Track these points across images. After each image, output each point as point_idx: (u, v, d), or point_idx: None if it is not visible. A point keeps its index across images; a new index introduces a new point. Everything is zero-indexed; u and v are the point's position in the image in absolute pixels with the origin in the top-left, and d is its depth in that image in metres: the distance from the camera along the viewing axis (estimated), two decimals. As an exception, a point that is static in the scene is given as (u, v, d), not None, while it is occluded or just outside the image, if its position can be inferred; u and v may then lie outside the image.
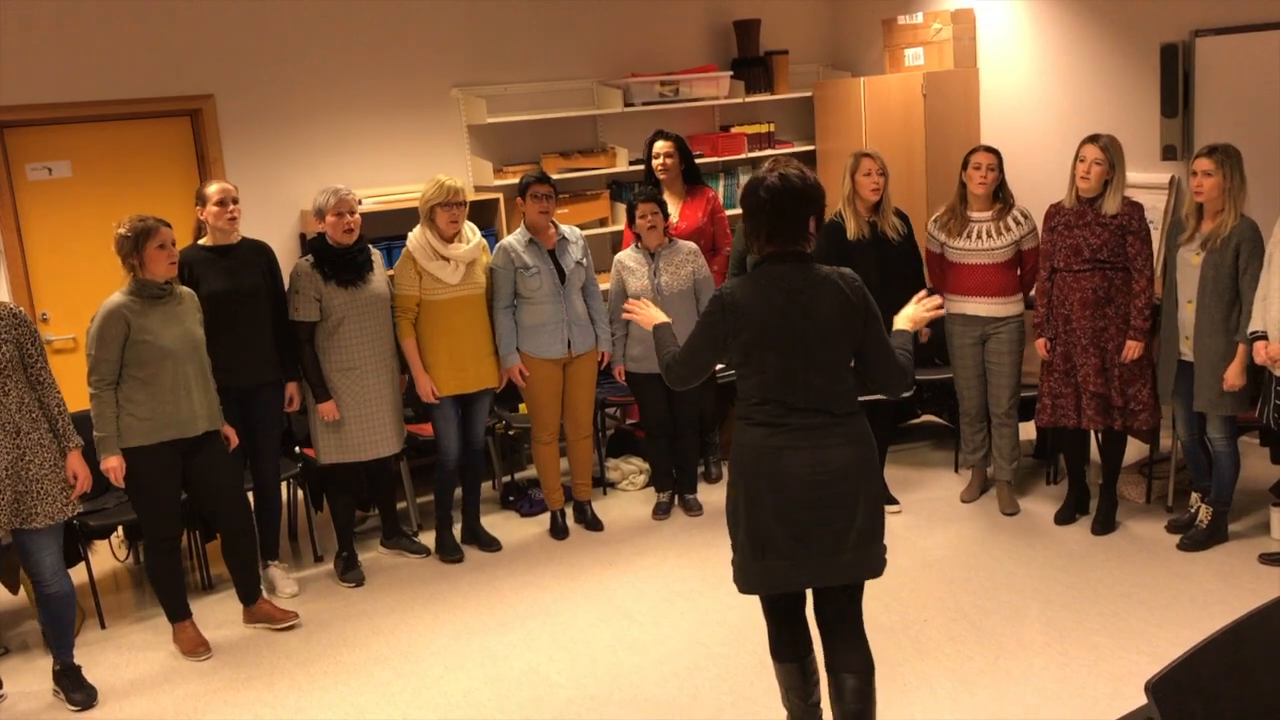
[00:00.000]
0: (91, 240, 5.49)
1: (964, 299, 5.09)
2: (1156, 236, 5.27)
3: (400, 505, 5.49)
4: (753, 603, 3.24)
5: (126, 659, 4.43)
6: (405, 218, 5.49)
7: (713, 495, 5.65)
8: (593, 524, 5.41)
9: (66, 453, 4.00)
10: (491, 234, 6.04)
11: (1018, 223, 5.01)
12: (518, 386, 5.20)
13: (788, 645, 3.19)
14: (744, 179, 7.09)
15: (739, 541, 3.06)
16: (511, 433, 6.07)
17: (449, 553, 5.14)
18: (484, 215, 6.14)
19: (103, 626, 4.71)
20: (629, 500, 5.77)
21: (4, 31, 5.29)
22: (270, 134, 5.97)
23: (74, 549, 4.60)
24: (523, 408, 5.49)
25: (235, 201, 4.67)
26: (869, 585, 3.14)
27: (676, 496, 5.59)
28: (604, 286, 5.46)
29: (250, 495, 4.75)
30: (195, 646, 4.39)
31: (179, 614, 4.43)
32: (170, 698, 4.10)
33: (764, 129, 7.18)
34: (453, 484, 5.19)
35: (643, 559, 5.02)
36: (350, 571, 4.99)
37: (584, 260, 5.20)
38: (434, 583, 4.93)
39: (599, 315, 5.28)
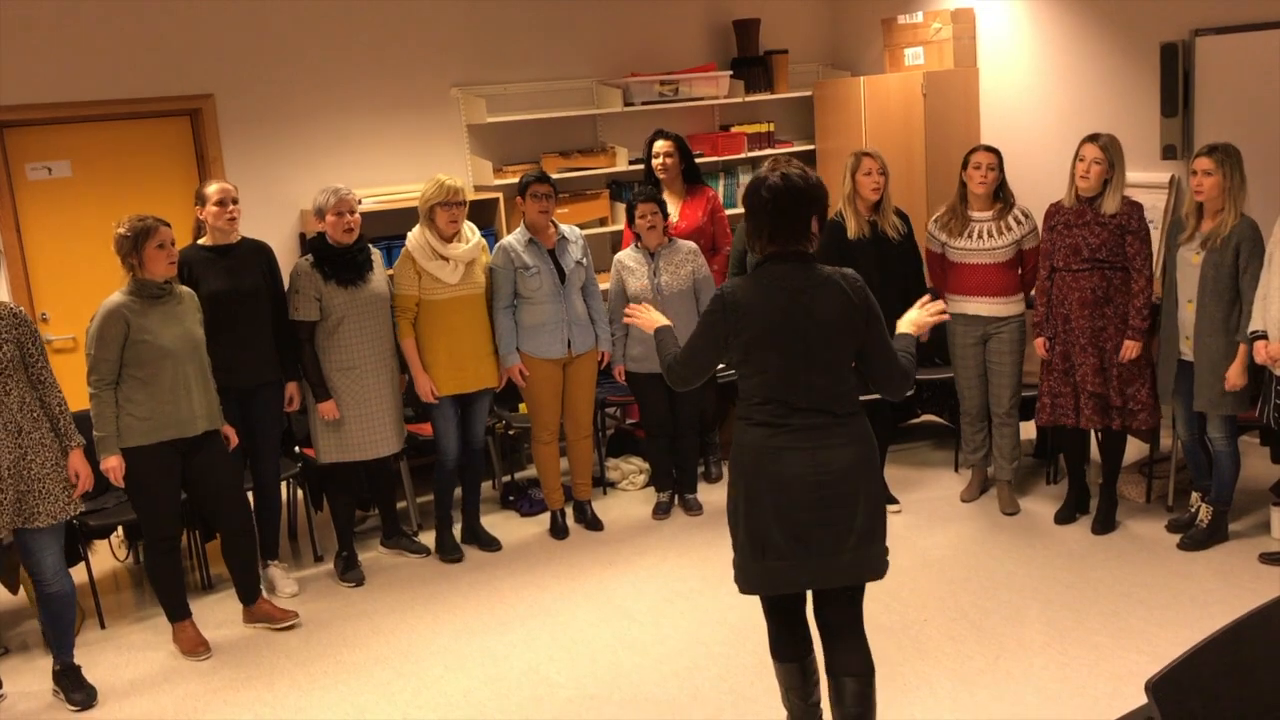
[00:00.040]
0: (91, 240, 5.49)
1: (965, 299, 5.09)
2: (1156, 236, 5.27)
3: (400, 505, 5.49)
4: (753, 602, 3.24)
5: (126, 659, 4.43)
6: (405, 217, 5.49)
7: (713, 495, 5.65)
8: (593, 524, 5.41)
9: (68, 452, 4.01)
10: (491, 234, 6.04)
11: (1019, 222, 5.01)
12: (518, 386, 5.20)
13: (788, 645, 3.19)
14: (744, 179, 7.10)
15: (739, 541, 3.06)
16: (511, 432, 6.07)
17: (449, 552, 5.14)
18: (484, 215, 6.14)
19: (102, 626, 4.71)
20: (629, 500, 5.77)
21: (4, 31, 5.29)
22: (270, 134, 5.97)
23: (74, 549, 4.60)
24: (523, 407, 5.49)
25: (235, 201, 4.67)
26: (869, 585, 3.14)
27: (676, 496, 5.59)
28: (604, 286, 5.46)
29: (250, 495, 4.75)
30: (195, 646, 4.39)
31: (179, 614, 4.43)
32: (170, 697, 4.10)
33: (764, 128, 7.18)
34: (452, 484, 5.19)
35: (643, 559, 5.02)
36: (350, 571, 4.99)
37: (584, 260, 5.20)
38: (434, 582, 4.93)
39: (599, 315, 5.28)
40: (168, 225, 4.17)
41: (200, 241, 4.70)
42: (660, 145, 5.78)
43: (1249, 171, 4.48)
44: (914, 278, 5.18)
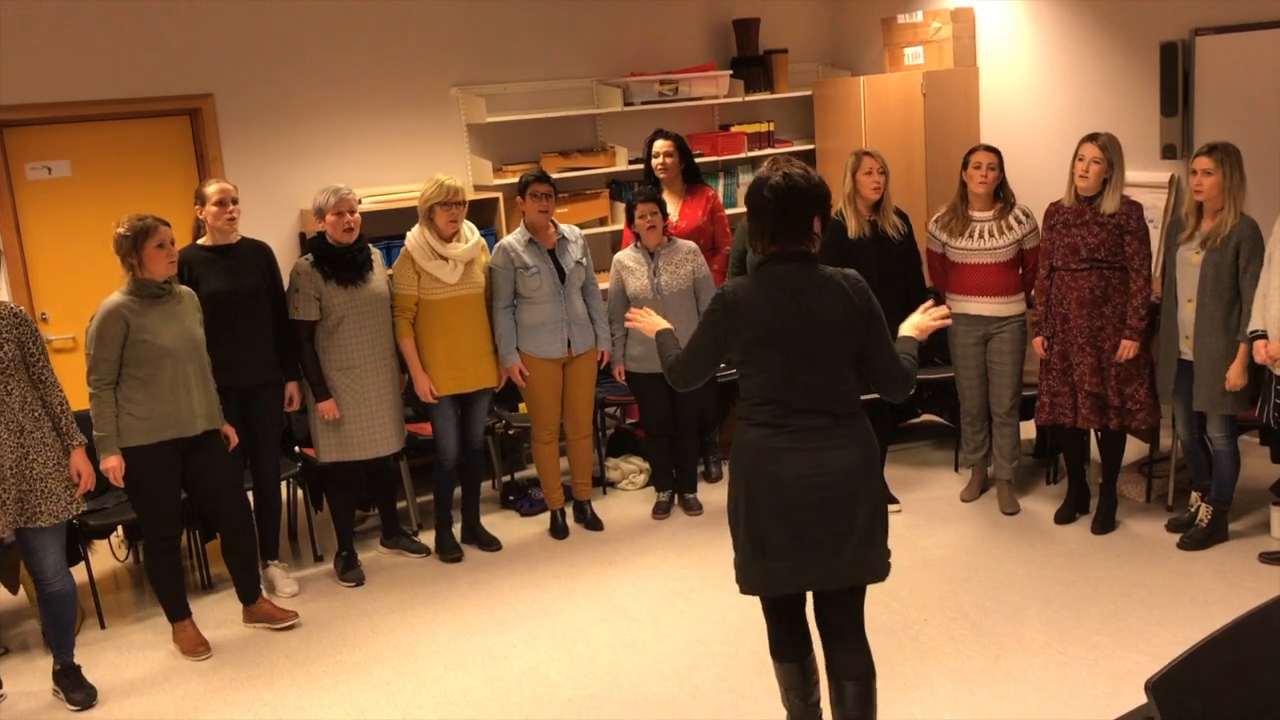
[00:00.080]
0: (91, 240, 5.49)
1: (966, 299, 5.09)
2: (1156, 235, 5.27)
3: (400, 505, 5.49)
4: (752, 602, 3.24)
5: (126, 659, 4.43)
6: (404, 217, 5.48)
7: (713, 495, 5.65)
8: (592, 523, 5.41)
9: (70, 451, 4.01)
10: (491, 233, 6.04)
11: (1019, 222, 5.01)
12: (518, 386, 5.20)
13: (787, 645, 3.19)
14: (744, 178, 7.10)
15: (739, 542, 3.06)
16: (511, 432, 6.07)
17: (449, 552, 5.14)
18: (483, 214, 6.14)
19: (102, 626, 4.71)
20: (629, 500, 5.76)
21: (4, 31, 5.29)
22: (270, 133, 5.97)
23: (74, 549, 4.60)
24: (522, 407, 5.49)
25: (235, 202, 4.66)
26: (870, 586, 3.12)
27: (676, 496, 5.59)
28: (603, 286, 5.46)
29: (250, 495, 4.75)
30: (195, 646, 4.39)
31: (179, 613, 4.43)
32: (170, 697, 4.10)
33: (764, 128, 7.18)
34: (452, 483, 5.19)
35: (642, 558, 5.02)
36: (350, 571, 4.99)
37: (584, 260, 5.20)
38: (434, 582, 4.93)
39: (599, 315, 5.28)
40: (167, 225, 4.17)
41: (200, 241, 4.70)
42: (660, 145, 5.78)
43: (1249, 171, 4.48)
44: (914, 277, 5.19)
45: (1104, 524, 4.91)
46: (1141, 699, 1.95)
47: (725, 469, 5.79)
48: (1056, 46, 6.36)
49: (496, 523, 5.50)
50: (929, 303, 3.33)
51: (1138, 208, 4.71)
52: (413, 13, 6.27)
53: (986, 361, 5.15)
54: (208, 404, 4.29)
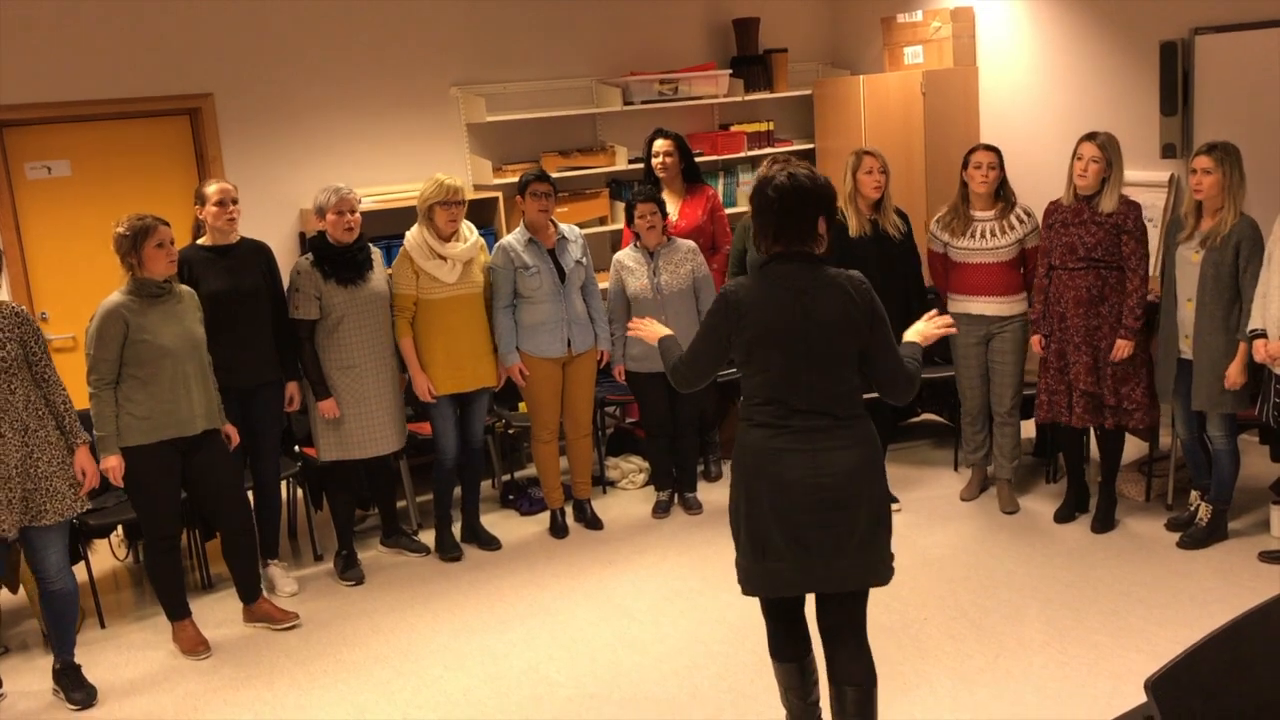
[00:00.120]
0: (90, 239, 5.49)
1: (968, 298, 5.09)
2: (1156, 234, 5.27)
3: (400, 504, 5.49)
4: (752, 601, 3.24)
5: (126, 658, 4.43)
6: (404, 216, 5.48)
7: (712, 494, 5.65)
8: (592, 523, 5.41)
9: (73, 449, 4.01)
10: (490, 233, 6.04)
11: (1020, 221, 5.01)
12: (518, 386, 5.20)
13: (787, 645, 3.19)
14: (744, 177, 7.10)
15: (741, 542, 3.05)
16: (511, 431, 6.07)
17: (448, 551, 5.14)
18: (483, 214, 6.14)
19: (102, 626, 4.71)
20: (629, 499, 5.77)
21: (4, 31, 5.29)
22: (269, 133, 5.97)
23: (74, 548, 4.59)
24: (522, 406, 5.49)
25: (235, 202, 4.67)
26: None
27: (676, 495, 5.59)
28: (603, 286, 5.46)
29: (250, 494, 4.75)
30: (195, 645, 4.39)
31: (179, 613, 4.43)
32: (170, 697, 4.10)
33: (763, 127, 7.18)
34: (451, 482, 5.19)
35: (642, 557, 5.02)
36: (350, 570, 4.99)
37: (583, 259, 5.20)
38: (433, 581, 4.93)
39: (598, 314, 5.28)
40: (167, 224, 4.17)
41: (200, 241, 4.70)
42: (660, 144, 5.78)
43: (1249, 170, 4.48)
44: (914, 277, 5.20)
45: (1103, 523, 4.92)
46: (1141, 698, 1.95)
47: (725, 468, 5.82)
48: (1056, 46, 6.36)
49: (496, 522, 5.50)
50: (933, 311, 3.34)
51: (1136, 207, 4.71)
52: (413, 13, 6.27)
53: (988, 361, 5.15)
54: (208, 403, 4.29)
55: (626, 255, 5.37)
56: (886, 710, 3.52)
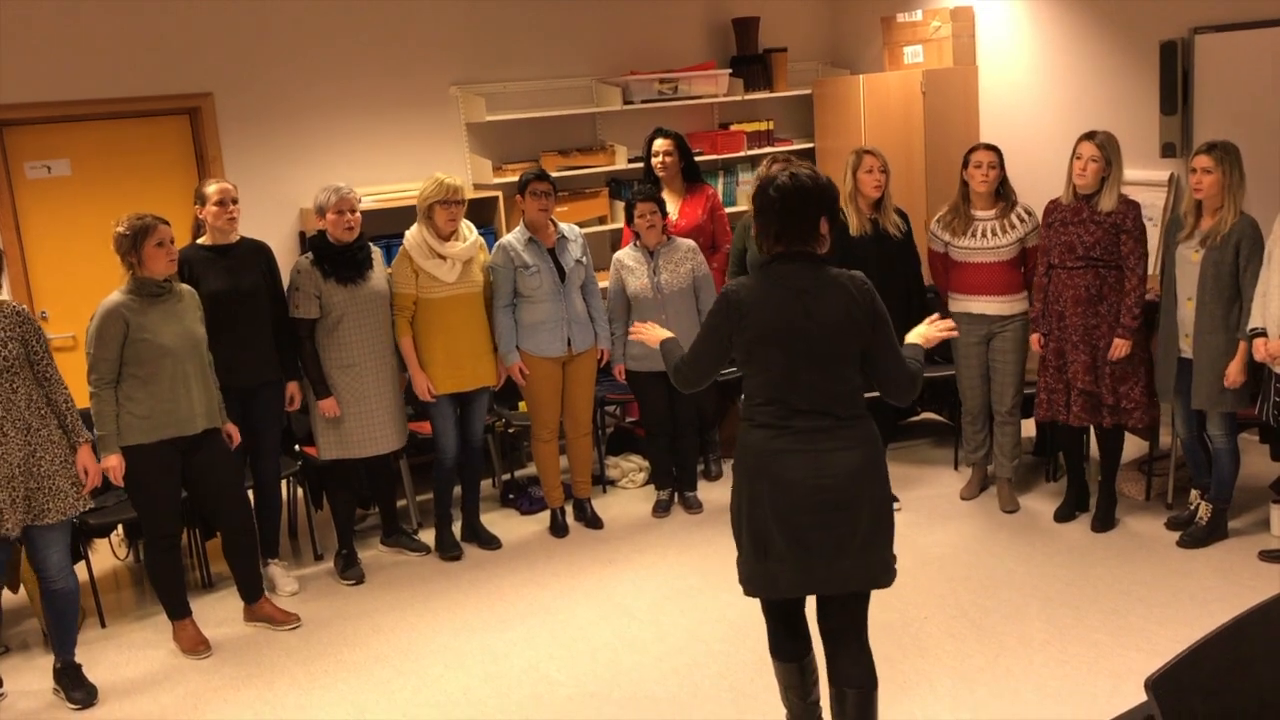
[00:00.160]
0: (90, 239, 5.49)
1: (969, 298, 5.09)
2: (1155, 233, 5.27)
3: (400, 503, 5.49)
4: (752, 600, 3.23)
5: (127, 657, 4.43)
6: (404, 216, 5.48)
7: (712, 493, 5.65)
8: (592, 522, 5.41)
9: (76, 448, 4.01)
10: (490, 232, 6.04)
11: (1021, 220, 5.01)
12: (518, 385, 5.20)
13: (787, 645, 3.19)
14: (744, 177, 7.10)
15: (742, 543, 3.05)
16: (511, 430, 6.07)
17: (448, 550, 5.15)
18: (483, 213, 6.14)
19: (103, 625, 4.71)
20: (629, 498, 5.77)
21: (4, 31, 5.29)
22: (269, 132, 5.97)
23: (74, 547, 4.59)
24: (522, 406, 5.49)
25: (235, 201, 4.66)
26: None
27: (676, 494, 5.59)
28: (603, 285, 5.46)
29: (250, 493, 4.75)
30: (195, 645, 4.39)
31: (179, 612, 4.43)
32: (170, 696, 4.10)
33: (763, 126, 7.18)
34: (451, 482, 5.19)
35: (642, 557, 5.03)
36: (350, 569, 4.99)
37: (583, 258, 5.20)
38: (434, 581, 4.93)
39: (598, 313, 5.28)
40: (167, 223, 4.17)
41: (200, 241, 4.70)
42: (659, 143, 5.78)
43: (1248, 169, 4.48)
44: (914, 276, 5.20)
45: (1104, 522, 4.92)
46: (1141, 697, 1.95)
47: (725, 467, 5.82)
48: (1056, 45, 6.36)
49: (496, 521, 5.50)
50: (935, 315, 3.34)
51: (1135, 207, 4.71)
52: (413, 12, 6.27)
53: (988, 360, 5.15)
54: (208, 402, 4.29)
55: (626, 254, 5.37)
56: (887, 709, 3.52)
